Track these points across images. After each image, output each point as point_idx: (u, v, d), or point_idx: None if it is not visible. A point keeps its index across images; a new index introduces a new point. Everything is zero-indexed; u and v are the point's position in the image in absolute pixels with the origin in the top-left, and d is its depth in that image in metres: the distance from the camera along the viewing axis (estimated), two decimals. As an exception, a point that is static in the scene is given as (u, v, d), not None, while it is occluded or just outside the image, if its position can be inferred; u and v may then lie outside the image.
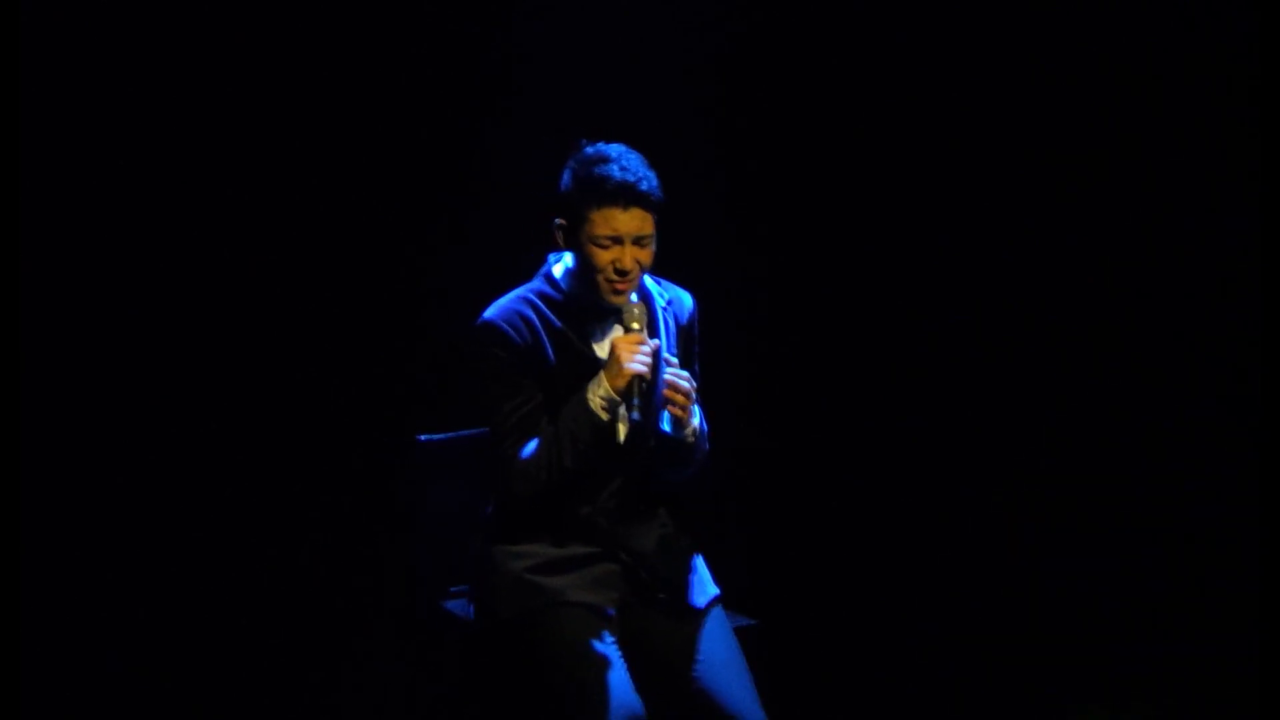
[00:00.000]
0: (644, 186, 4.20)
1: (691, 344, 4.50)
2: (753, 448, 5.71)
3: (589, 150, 4.25)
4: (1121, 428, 5.68)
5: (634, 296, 4.29)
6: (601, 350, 4.31)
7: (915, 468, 5.81)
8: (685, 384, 4.26)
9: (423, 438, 4.65)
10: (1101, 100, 5.62)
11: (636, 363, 4.20)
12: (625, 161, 4.21)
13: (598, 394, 4.22)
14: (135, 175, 5.32)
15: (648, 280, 4.41)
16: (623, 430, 4.27)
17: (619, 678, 4.18)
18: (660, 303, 4.42)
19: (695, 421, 4.33)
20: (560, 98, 5.58)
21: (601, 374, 4.23)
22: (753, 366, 5.81)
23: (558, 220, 4.28)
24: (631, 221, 4.20)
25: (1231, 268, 5.47)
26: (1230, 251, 5.48)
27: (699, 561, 4.45)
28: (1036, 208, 5.73)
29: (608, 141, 4.28)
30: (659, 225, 4.25)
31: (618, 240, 4.21)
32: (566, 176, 4.26)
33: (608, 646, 4.23)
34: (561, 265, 4.35)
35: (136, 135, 5.31)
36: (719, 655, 4.31)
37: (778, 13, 5.82)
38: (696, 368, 4.51)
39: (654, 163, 4.30)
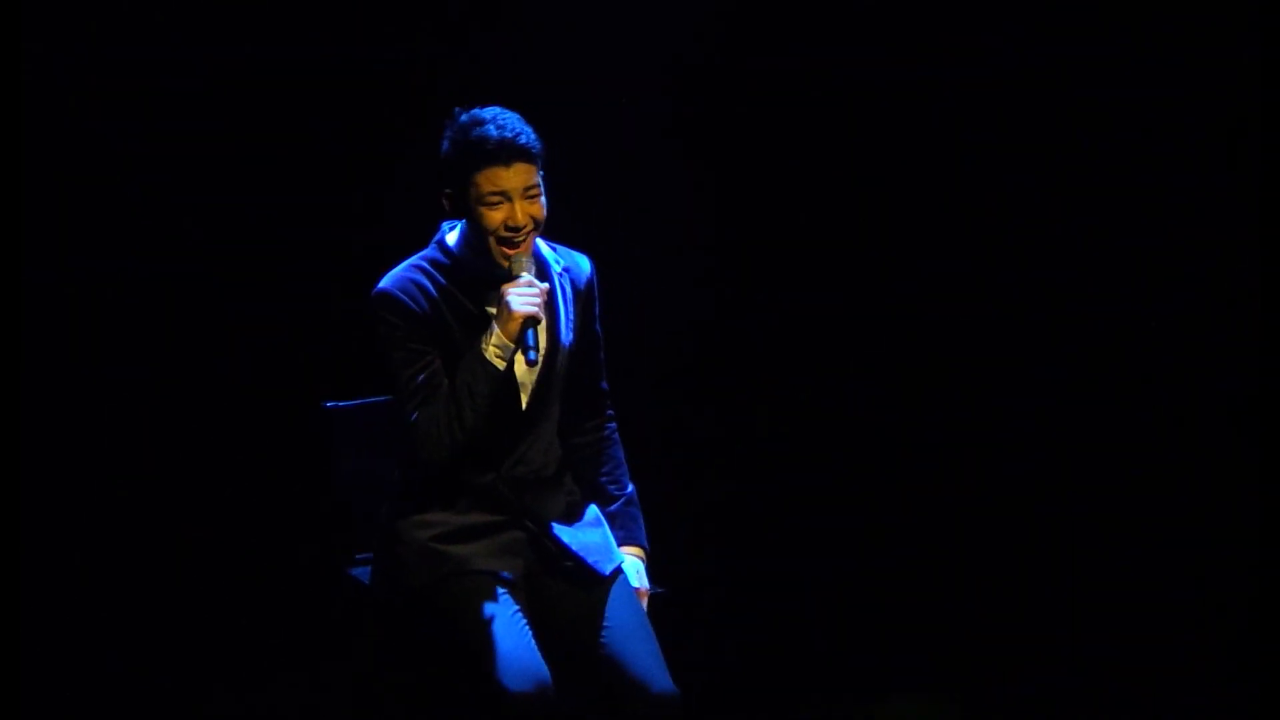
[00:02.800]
0: (523, 140, 4.21)
1: (590, 307, 4.50)
2: (658, 418, 5.73)
3: (464, 117, 4.26)
4: (1111, 430, 5.67)
5: (530, 259, 4.30)
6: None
7: (823, 434, 5.82)
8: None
9: (329, 404, 4.66)
10: (1092, 97, 5.60)
11: (526, 304, 4.21)
12: (501, 120, 4.22)
13: (490, 343, 4.23)
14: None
15: (543, 246, 4.42)
16: (523, 398, 4.31)
17: (525, 645, 4.20)
18: (556, 269, 4.42)
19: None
20: (476, 78, 5.58)
21: (494, 323, 4.24)
22: (655, 334, 5.81)
23: (445, 190, 4.28)
24: (516, 176, 4.21)
25: (1231, 268, 5.46)
26: (1230, 252, 5.46)
27: (604, 529, 4.47)
28: (1015, 198, 5.73)
29: (482, 106, 4.27)
30: (545, 180, 4.26)
31: (506, 197, 4.21)
32: (446, 145, 4.26)
33: (513, 614, 4.24)
34: (455, 232, 4.35)
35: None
36: (625, 622, 4.33)
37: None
38: (598, 329, 4.52)
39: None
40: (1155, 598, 5.53)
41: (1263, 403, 5.00)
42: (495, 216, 4.22)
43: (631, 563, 4.48)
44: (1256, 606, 5.12)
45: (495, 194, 4.21)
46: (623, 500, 4.55)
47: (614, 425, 4.60)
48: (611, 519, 4.51)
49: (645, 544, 4.56)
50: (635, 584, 4.43)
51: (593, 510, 4.49)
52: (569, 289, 4.44)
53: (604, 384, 4.58)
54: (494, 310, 4.27)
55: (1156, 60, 5.51)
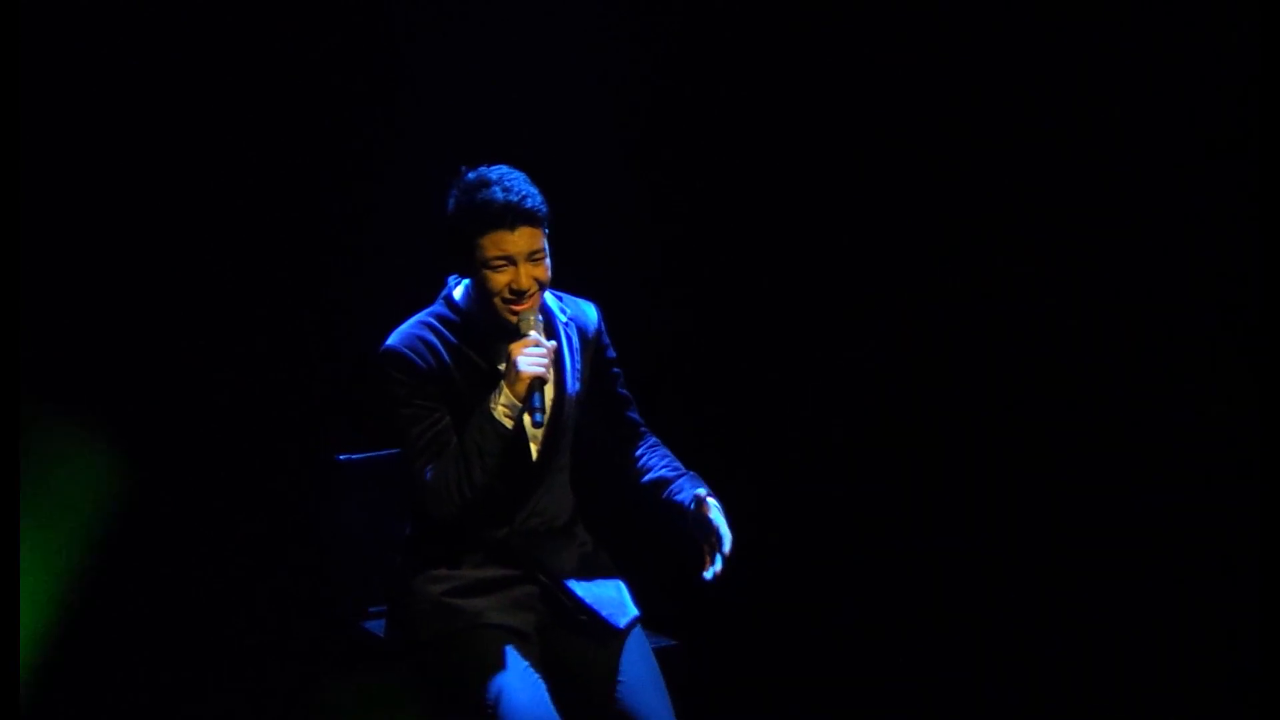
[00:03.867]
0: (529, 204, 4.21)
1: (603, 352, 4.52)
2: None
3: (470, 176, 4.26)
4: (1104, 432, 5.64)
5: (537, 315, 4.30)
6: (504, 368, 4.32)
7: (844, 482, 5.80)
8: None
9: (342, 457, 4.67)
10: (1088, 97, 5.58)
11: (533, 365, 4.21)
12: (507, 182, 4.22)
13: (499, 402, 4.23)
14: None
15: (548, 296, 4.42)
16: (534, 449, 4.32)
17: (539, 700, 4.20)
18: (562, 319, 4.43)
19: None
20: (462, 113, 5.60)
21: (502, 382, 4.24)
22: (668, 375, 5.80)
23: (450, 249, 4.29)
24: (521, 240, 4.21)
25: (1231, 268, 5.43)
26: (1230, 252, 5.43)
27: (619, 582, 4.46)
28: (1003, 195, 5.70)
29: (489, 165, 4.28)
30: (550, 240, 4.27)
31: (510, 261, 4.22)
32: (451, 205, 4.27)
33: (527, 669, 4.24)
34: (461, 287, 4.36)
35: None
36: (639, 677, 4.33)
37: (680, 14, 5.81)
38: (616, 370, 4.54)
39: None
40: (1156, 601, 5.52)
41: (1263, 404, 4.98)
42: (500, 279, 4.23)
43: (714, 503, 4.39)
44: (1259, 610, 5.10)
45: (500, 258, 4.22)
46: (687, 475, 4.46)
47: (654, 439, 4.57)
48: (679, 489, 4.42)
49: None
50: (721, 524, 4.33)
51: (607, 564, 4.47)
52: (575, 339, 4.45)
53: (633, 414, 4.57)
54: (503, 366, 4.27)
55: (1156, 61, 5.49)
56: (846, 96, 5.78)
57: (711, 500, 4.37)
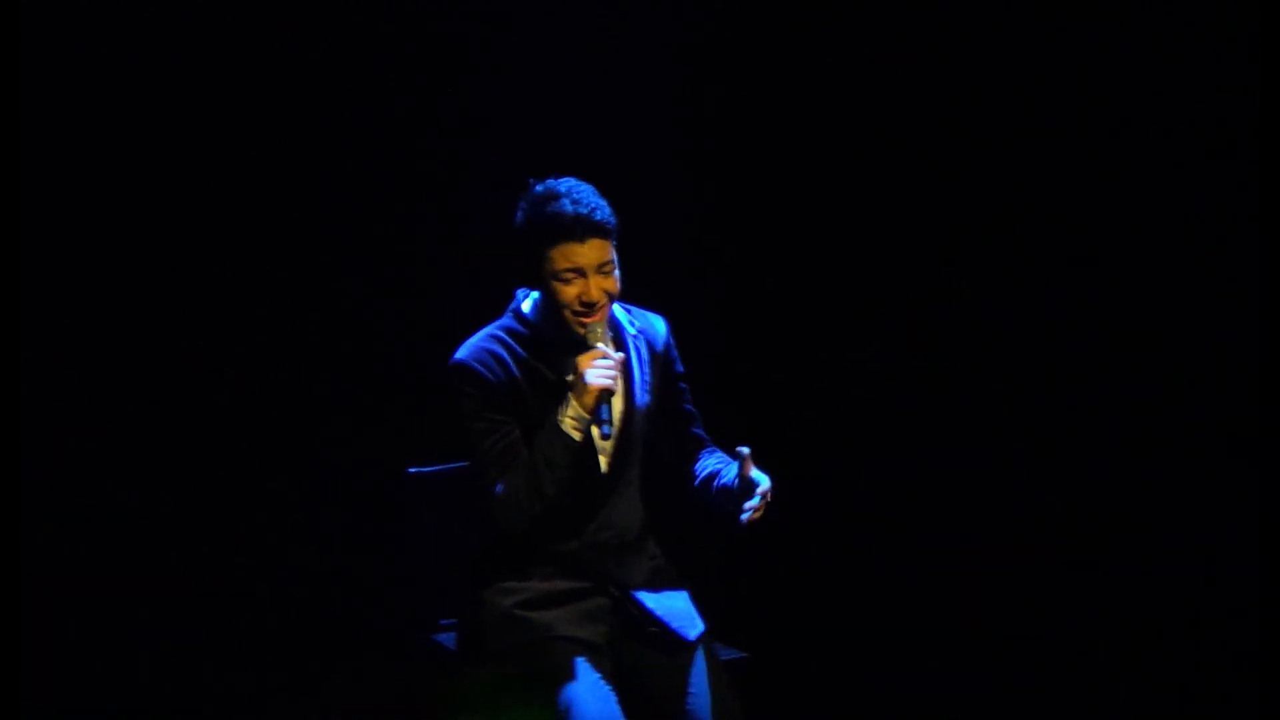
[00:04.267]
0: (598, 216, 4.22)
1: (671, 366, 4.51)
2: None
3: (538, 189, 4.26)
4: (1111, 436, 5.67)
5: (606, 328, 4.30)
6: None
7: (905, 495, 5.81)
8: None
9: (412, 470, 4.65)
10: (1092, 98, 5.60)
11: (601, 377, 4.21)
12: (576, 194, 4.22)
13: (567, 414, 4.23)
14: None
15: (617, 309, 4.42)
16: (603, 462, 4.32)
17: (609, 711, 4.20)
18: (631, 331, 4.44)
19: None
20: (527, 129, 5.60)
21: (570, 395, 4.23)
22: (732, 389, 5.80)
23: (519, 262, 4.28)
24: (591, 253, 4.21)
25: (1231, 268, 5.46)
26: (1230, 252, 5.47)
27: (688, 595, 4.46)
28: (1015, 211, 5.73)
29: (556, 178, 4.28)
30: (619, 252, 4.27)
31: (580, 273, 4.22)
32: (519, 217, 4.26)
33: (598, 680, 4.24)
34: (530, 300, 4.36)
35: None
36: (710, 689, 4.32)
37: (734, 25, 5.80)
38: (682, 385, 4.53)
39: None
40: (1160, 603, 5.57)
41: (1264, 404, 5.04)
42: (569, 291, 4.23)
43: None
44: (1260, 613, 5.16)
45: (569, 270, 4.22)
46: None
47: (714, 449, 4.56)
48: (725, 474, 4.37)
49: None
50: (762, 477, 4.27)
51: (677, 576, 4.47)
52: (645, 351, 4.45)
53: (698, 430, 4.57)
54: (571, 379, 4.26)
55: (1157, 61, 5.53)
56: (853, 99, 5.80)
57: (755, 470, 4.31)
